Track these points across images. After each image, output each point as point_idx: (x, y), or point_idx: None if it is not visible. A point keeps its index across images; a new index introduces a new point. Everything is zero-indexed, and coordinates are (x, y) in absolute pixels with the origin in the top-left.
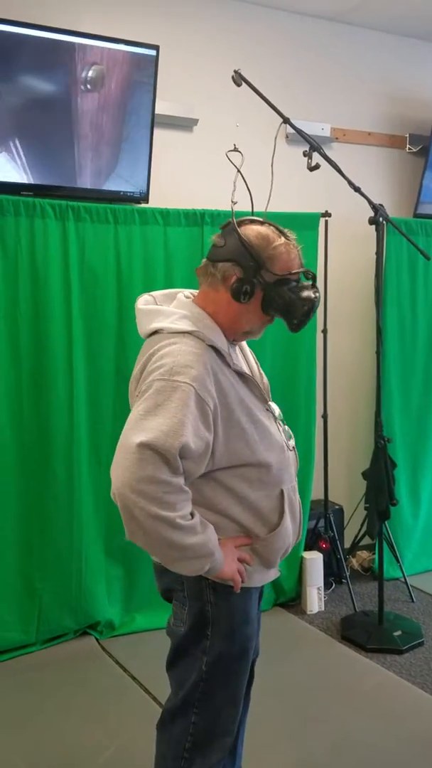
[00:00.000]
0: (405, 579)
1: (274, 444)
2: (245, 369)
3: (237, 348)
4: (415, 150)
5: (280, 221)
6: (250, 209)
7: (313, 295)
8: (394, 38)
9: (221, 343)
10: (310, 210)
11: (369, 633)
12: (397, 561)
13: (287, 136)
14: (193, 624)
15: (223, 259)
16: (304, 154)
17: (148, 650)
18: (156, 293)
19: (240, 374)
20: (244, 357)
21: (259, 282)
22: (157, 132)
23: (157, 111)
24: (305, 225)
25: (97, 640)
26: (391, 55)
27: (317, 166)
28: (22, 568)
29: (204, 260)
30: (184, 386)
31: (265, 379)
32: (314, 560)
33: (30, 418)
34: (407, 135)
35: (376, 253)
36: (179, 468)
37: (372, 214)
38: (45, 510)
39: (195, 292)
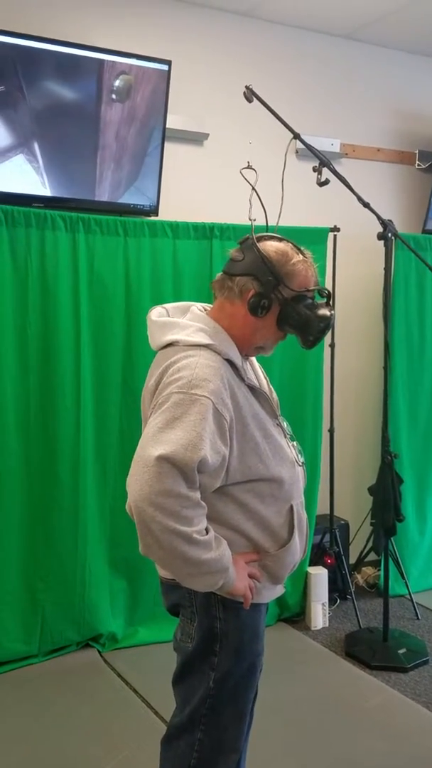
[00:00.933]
0: (410, 596)
1: (285, 459)
2: (256, 383)
3: (248, 363)
4: (424, 166)
5: (289, 235)
6: (264, 224)
7: (328, 313)
8: (403, 55)
9: (236, 357)
10: (319, 225)
11: (374, 650)
12: (403, 578)
13: (297, 152)
14: (202, 640)
15: (241, 273)
16: (314, 170)
17: (151, 664)
18: (168, 306)
19: (252, 388)
20: (254, 372)
21: (277, 297)
22: (167, 145)
23: (168, 125)
24: (314, 239)
25: (99, 652)
26: (400, 72)
27: (327, 182)
28: (26, 579)
29: (220, 273)
30: (203, 400)
31: (275, 395)
32: (319, 576)
33: (37, 428)
34: (416, 151)
35: (385, 269)
36: (197, 482)
37: (381, 229)
38: (50, 521)
39: (207, 306)
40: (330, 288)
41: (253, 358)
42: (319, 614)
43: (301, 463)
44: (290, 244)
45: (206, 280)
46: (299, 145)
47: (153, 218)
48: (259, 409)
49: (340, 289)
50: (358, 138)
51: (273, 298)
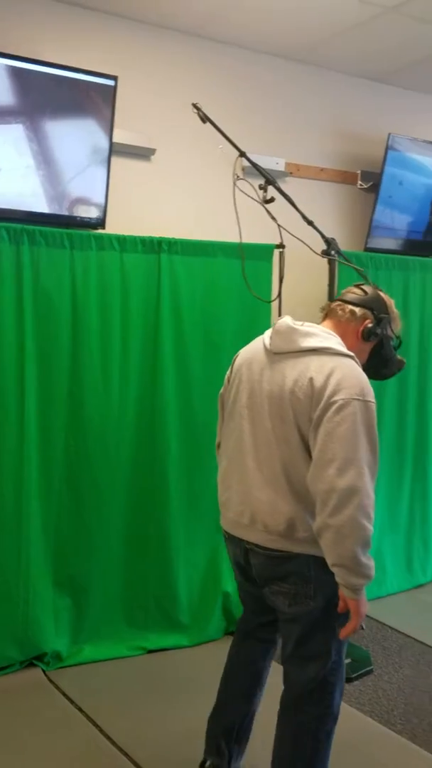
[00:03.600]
0: None
1: None
2: None
3: None
4: (365, 186)
5: (236, 251)
6: (209, 239)
7: (404, 360)
8: (346, 78)
9: None
10: (265, 241)
11: None
12: None
13: (243, 169)
14: (330, 597)
15: (363, 305)
16: (260, 188)
17: (97, 682)
18: (291, 318)
19: None
20: None
21: (382, 332)
22: (115, 159)
23: (116, 139)
24: (260, 256)
25: (43, 671)
26: (343, 94)
27: (272, 200)
28: None
29: (338, 301)
30: (371, 405)
31: None
32: None
33: None
34: (359, 171)
35: (329, 285)
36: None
37: (325, 246)
38: None
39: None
40: (276, 302)
41: None
42: None
43: None
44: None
45: (154, 294)
46: (245, 162)
47: (100, 231)
48: None
49: (286, 304)
50: (303, 157)
51: (379, 330)
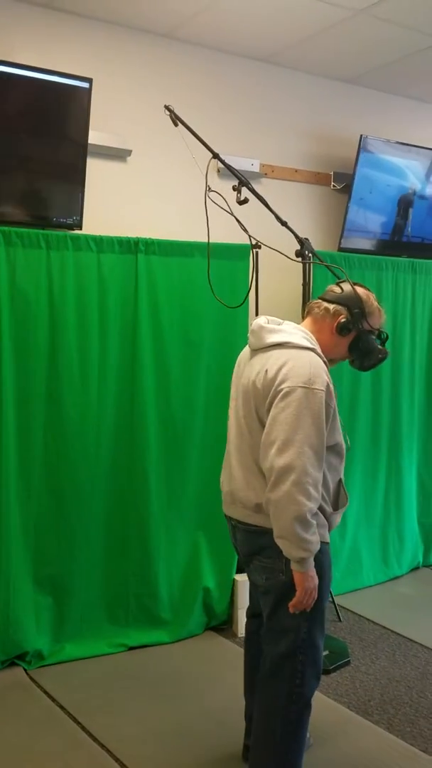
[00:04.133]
0: (333, 599)
1: (343, 438)
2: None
3: None
4: (339, 187)
5: (214, 251)
6: (187, 240)
7: (381, 354)
8: (320, 80)
9: (325, 360)
10: (241, 242)
11: None
12: None
13: (219, 170)
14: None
15: (337, 302)
16: (234, 189)
17: (79, 680)
18: (268, 318)
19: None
20: None
21: (357, 326)
22: (91, 161)
23: (91, 141)
24: (236, 256)
25: (25, 670)
26: (316, 96)
27: (246, 200)
28: None
29: (317, 300)
30: (319, 393)
31: None
32: (246, 583)
33: None
34: (332, 173)
35: (303, 285)
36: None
37: (299, 247)
38: None
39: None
40: (253, 302)
41: None
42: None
43: (349, 447)
44: (372, 293)
45: (131, 293)
46: (221, 164)
47: (77, 232)
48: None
49: (262, 303)
50: (277, 159)
51: (354, 323)
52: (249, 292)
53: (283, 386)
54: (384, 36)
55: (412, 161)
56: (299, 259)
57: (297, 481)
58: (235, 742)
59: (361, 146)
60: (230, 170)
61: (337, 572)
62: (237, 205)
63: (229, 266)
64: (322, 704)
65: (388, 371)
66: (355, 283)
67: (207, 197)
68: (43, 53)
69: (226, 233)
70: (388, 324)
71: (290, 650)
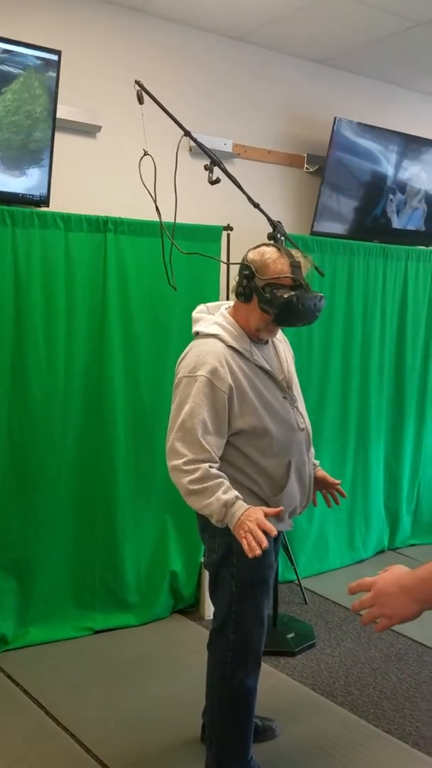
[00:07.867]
0: (299, 581)
1: (282, 421)
2: (265, 365)
3: (270, 348)
4: (312, 170)
5: (185, 232)
6: (157, 220)
7: (286, 295)
8: (294, 60)
9: (241, 344)
10: (214, 223)
11: None
12: (292, 564)
13: (191, 149)
14: (224, 553)
15: (238, 274)
16: (205, 168)
17: (44, 664)
18: (211, 304)
19: (260, 367)
20: (268, 357)
21: (251, 285)
22: (59, 136)
23: (60, 116)
24: (209, 237)
25: None
26: (291, 76)
27: (218, 181)
28: None
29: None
30: (200, 378)
31: (294, 377)
32: None
33: None
34: (305, 155)
35: None
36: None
37: (271, 230)
38: None
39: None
40: (225, 285)
41: (279, 345)
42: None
43: (301, 428)
44: (275, 247)
45: (100, 273)
46: (192, 142)
47: (44, 209)
48: (260, 382)
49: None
50: (250, 139)
51: (248, 286)
52: (228, 271)
53: (175, 378)
54: (361, 18)
55: (386, 145)
56: (271, 242)
57: (174, 466)
58: (198, 724)
59: (335, 129)
60: (202, 149)
61: (304, 555)
62: (209, 184)
63: (202, 248)
64: (287, 686)
65: (358, 358)
66: (262, 244)
67: (176, 170)
68: (10, 24)
69: (198, 215)
70: (357, 308)
71: (220, 625)
